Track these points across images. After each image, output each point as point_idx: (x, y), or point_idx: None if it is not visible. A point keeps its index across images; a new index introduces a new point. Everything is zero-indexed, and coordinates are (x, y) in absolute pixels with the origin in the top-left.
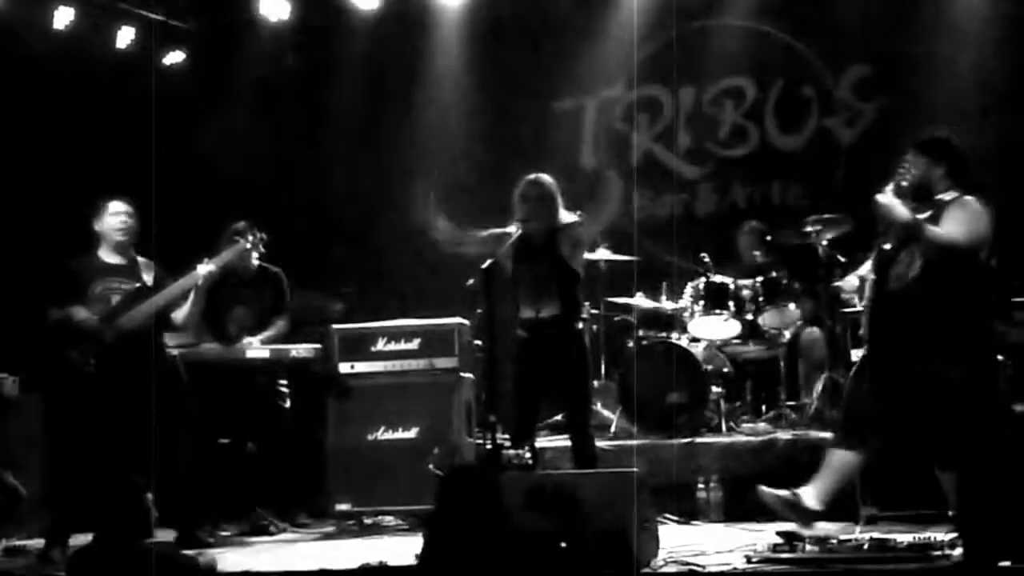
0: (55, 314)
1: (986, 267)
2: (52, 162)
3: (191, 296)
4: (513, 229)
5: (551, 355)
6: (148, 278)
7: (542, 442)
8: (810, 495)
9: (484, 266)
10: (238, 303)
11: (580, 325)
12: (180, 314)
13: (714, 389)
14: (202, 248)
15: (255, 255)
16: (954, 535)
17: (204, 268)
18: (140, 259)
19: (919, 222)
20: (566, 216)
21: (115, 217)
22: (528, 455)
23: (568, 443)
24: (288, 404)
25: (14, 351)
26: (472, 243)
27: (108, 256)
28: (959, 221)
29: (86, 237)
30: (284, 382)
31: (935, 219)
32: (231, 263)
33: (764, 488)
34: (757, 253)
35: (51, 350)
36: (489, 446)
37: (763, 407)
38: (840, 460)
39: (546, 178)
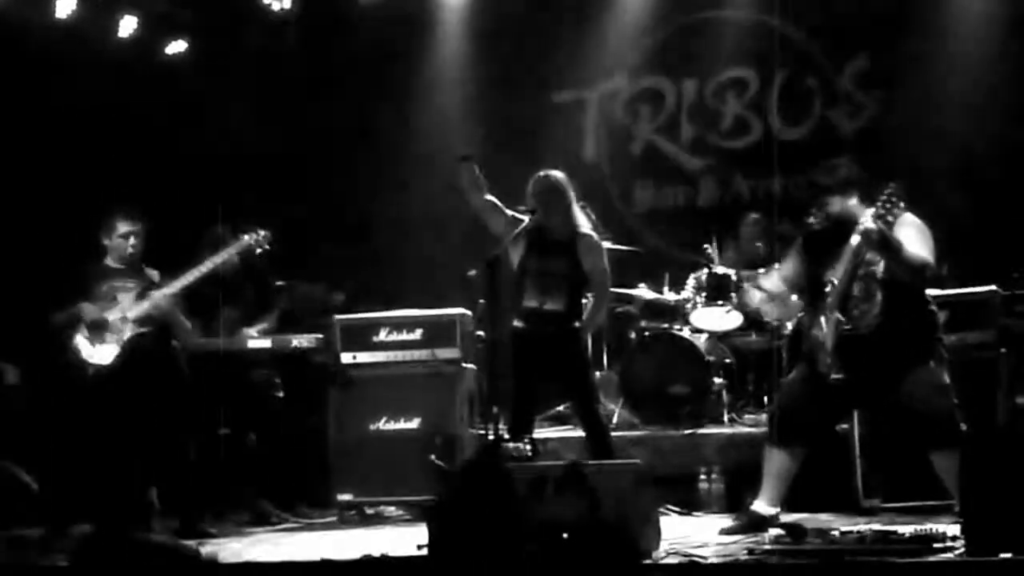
0: (59, 318)
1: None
2: (53, 155)
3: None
4: (527, 220)
5: (547, 349)
6: (155, 279)
7: (545, 432)
8: (762, 504)
9: (487, 257)
10: (224, 303)
11: (578, 324)
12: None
13: (716, 380)
14: (197, 247)
15: (258, 251)
16: (956, 526)
17: (250, 237)
18: (146, 269)
19: (902, 246)
20: (583, 220)
21: (121, 238)
22: (528, 448)
23: (568, 433)
24: (282, 395)
25: (18, 345)
26: (500, 219)
27: (114, 263)
28: (915, 240)
29: (89, 237)
30: (276, 374)
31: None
32: (244, 252)
33: (723, 529)
34: (760, 244)
35: (56, 346)
36: (491, 437)
37: (765, 398)
38: (779, 463)
39: (556, 173)
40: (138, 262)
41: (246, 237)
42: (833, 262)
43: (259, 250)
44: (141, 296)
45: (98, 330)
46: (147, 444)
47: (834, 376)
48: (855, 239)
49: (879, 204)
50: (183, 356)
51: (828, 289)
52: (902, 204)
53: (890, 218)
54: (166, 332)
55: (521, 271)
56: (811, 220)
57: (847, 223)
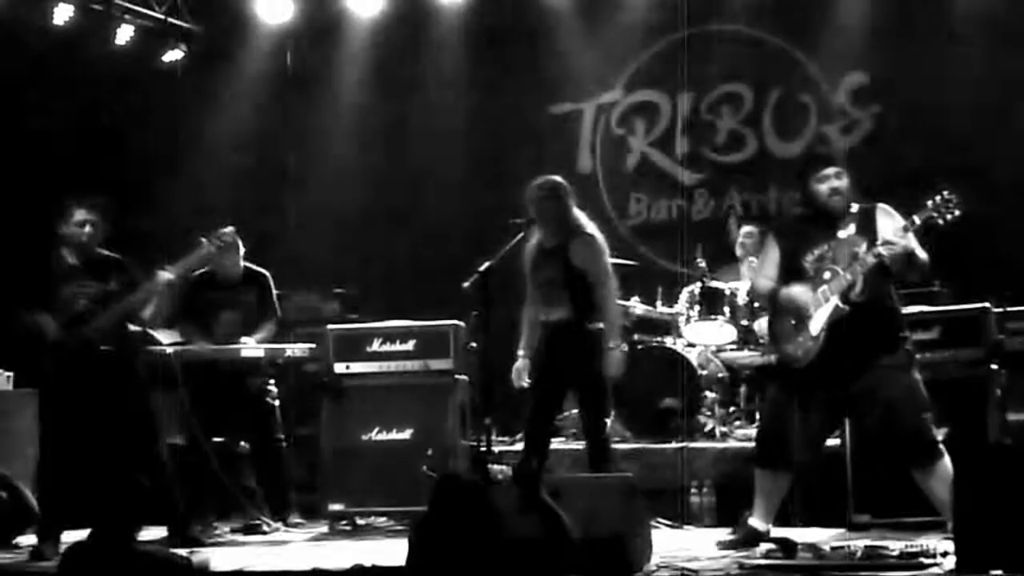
0: (25, 319)
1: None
2: (48, 160)
3: (159, 299)
4: (534, 239)
5: (559, 358)
6: (116, 277)
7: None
8: (756, 520)
9: (481, 268)
10: (225, 307)
11: (592, 326)
12: (147, 312)
13: (708, 394)
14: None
15: (236, 251)
16: (947, 542)
17: (164, 276)
18: (108, 256)
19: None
20: (584, 222)
21: (77, 226)
22: (511, 473)
23: (561, 445)
24: (277, 403)
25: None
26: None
27: (72, 258)
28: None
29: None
30: (272, 382)
31: (867, 229)
32: (192, 269)
33: (719, 543)
34: (753, 259)
35: (31, 352)
36: (484, 449)
37: (757, 413)
38: (770, 483)
39: (554, 179)
40: (97, 254)
41: (205, 242)
42: (810, 247)
43: (219, 246)
44: (96, 307)
45: (56, 347)
46: (133, 450)
47: (805, 360)
48: (850, 231)
49: (936, 202)
50: (176, 362)
51: (827, 276)
52: (957, 212)
53: (941, 221)
54: (126, 336)
55: (534, 285)
56: (823, 178)
57: (829, 209)
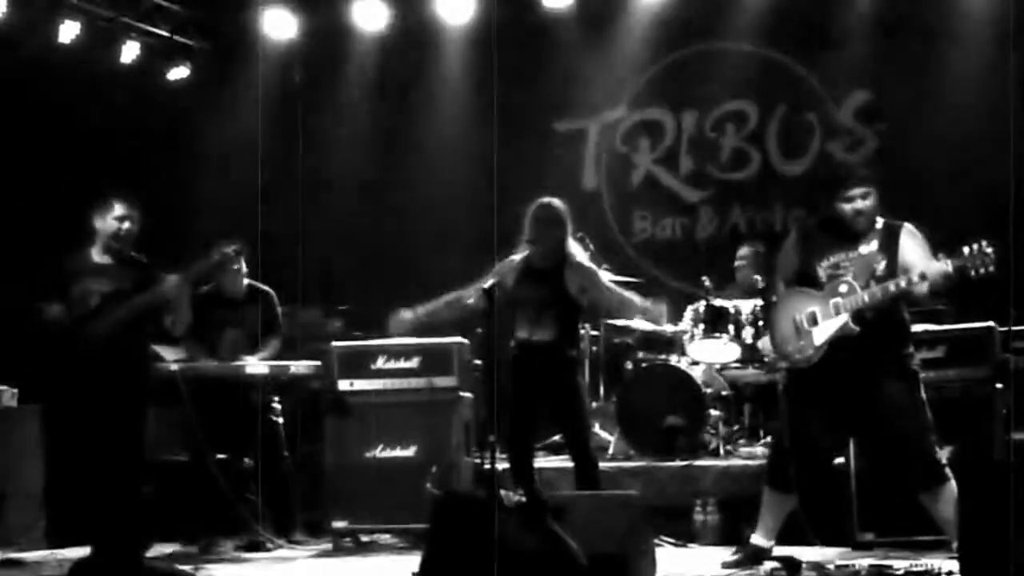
0: (36, 313)
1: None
2: (58, 175)
3: (174, 306)
4: (518, 255)
5: (540, 379)
6: (132, 278)
7: (540, 462)
8: (760, 537)
9: (486, 286)
10: (229, 324)
11: (573, 353)
12: (169, 322)
13: (712, 412)
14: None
15: (239, 269)
16: (951, 562)
17: (172, 280)
18: (135, 257)
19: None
20: (578, 252)
21: (116, 220)
22: (522, 498)
23: (567, 464)
24: (281, 421)
25: (13, 357)
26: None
27: (98, 256)
28: (928, 255)
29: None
30: (277, 399)
31: (889, 247)
32: (203, 274)
33: (724, 564)
34: (757, 277)
35: (37, 348)
36: (488, 466)
37: (761, 431)
38: (779, 503)
39: (558, 202)
40: (127, 255)
41: (215, 254)
42: (826, 254)
43: (233, 265)
44: (106, 306)
45: (67, 339)
46: (134, 462)
47: (802, 365)
48: (872, 247)
49: (972, 251)
50: (180, 378)
51: (844, 289)
52: (992, 268)
53: (973, 273)
54: (134, 342)
55: (512, 301)
56: (849, 199)
57: (852, 227)
